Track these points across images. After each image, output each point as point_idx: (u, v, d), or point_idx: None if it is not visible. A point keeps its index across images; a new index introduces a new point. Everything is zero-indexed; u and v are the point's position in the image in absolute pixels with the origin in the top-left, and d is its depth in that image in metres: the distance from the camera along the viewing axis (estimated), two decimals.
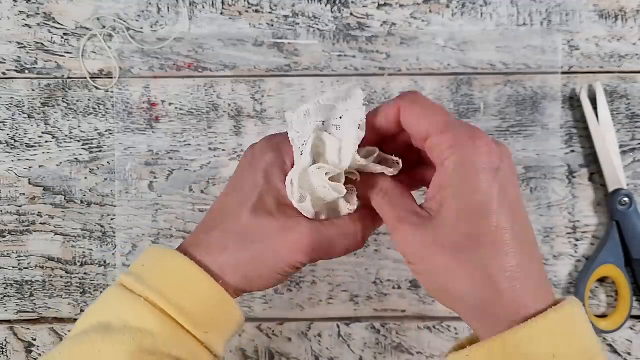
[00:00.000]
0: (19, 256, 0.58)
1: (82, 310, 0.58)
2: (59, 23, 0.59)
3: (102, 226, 0.58)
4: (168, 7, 0.59)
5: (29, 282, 0.58)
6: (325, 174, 0.35)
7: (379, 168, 0.36)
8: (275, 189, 0.36)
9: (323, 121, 0.36)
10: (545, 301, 0.32)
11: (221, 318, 0.37)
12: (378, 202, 0.36)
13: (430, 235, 0.32)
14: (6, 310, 0.58)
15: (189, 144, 0.59)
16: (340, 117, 0.36)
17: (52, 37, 0.59)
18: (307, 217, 0.36)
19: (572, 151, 0.59)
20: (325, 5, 0.59)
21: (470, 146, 0.32)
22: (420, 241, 0.33)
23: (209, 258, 0.36)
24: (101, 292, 0.58)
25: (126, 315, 0.35)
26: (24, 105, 0.59)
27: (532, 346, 0.30)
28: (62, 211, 0.58)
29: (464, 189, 0.32)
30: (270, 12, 0.59)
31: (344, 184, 0.36)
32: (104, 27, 0.59)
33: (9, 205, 0.58)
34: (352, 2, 0.59)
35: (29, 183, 0.59)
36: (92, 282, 0.58)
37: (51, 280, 0.58)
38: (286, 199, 0.36)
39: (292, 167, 0.36)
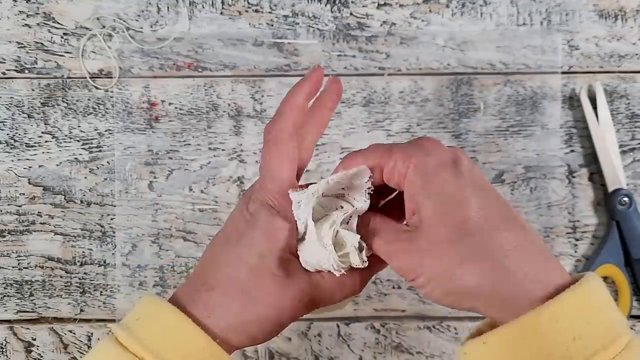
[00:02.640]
0: (19, 256, 0.58)
1: (82, 310, 0.58)
2: (59, 23, 0.59)
3: (102, 226, 0.58)
4: (168, 7, 0.59)
5: (29, 282, 0.58)
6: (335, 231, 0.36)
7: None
8: (276, 248, 0.36)
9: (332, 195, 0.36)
10: (561, 277, 0.31)
11: None
12: (365, 237, 0.36)
13: (424, 242, 0.33)
14: (6, 310, 0.58)
15: (189, 144, 0.59)
16: (348, 194, 0.36)
17: (52, 37, 0.59)
18: (306, 272, 0.36)
19: (572, 151, 0.59)
20: (325, 5, 0.59)
21: (420, 150, 0.33)
22: (417, 252, 0.33)
23: (211, 321, 0.35)
24: (101, 292, 0.58)
25: None
26: (24, 105, 0.59)
27: (552, 329, 0.29)
28: (62, 211, 0.58)
29: (433, 189, 0.33)
30: (270, 12, 0.59)
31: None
32: (104, 27, 0.59)
33: (9, 205, 0.58)
34: (352, 2, 0.59)
35: (29, 183, 0.59)
36: (92, 282, 0.58)
37: (51, 280, 0.58)
38: (284, 257, 0.36)
39: (292, 227, 0.36)
